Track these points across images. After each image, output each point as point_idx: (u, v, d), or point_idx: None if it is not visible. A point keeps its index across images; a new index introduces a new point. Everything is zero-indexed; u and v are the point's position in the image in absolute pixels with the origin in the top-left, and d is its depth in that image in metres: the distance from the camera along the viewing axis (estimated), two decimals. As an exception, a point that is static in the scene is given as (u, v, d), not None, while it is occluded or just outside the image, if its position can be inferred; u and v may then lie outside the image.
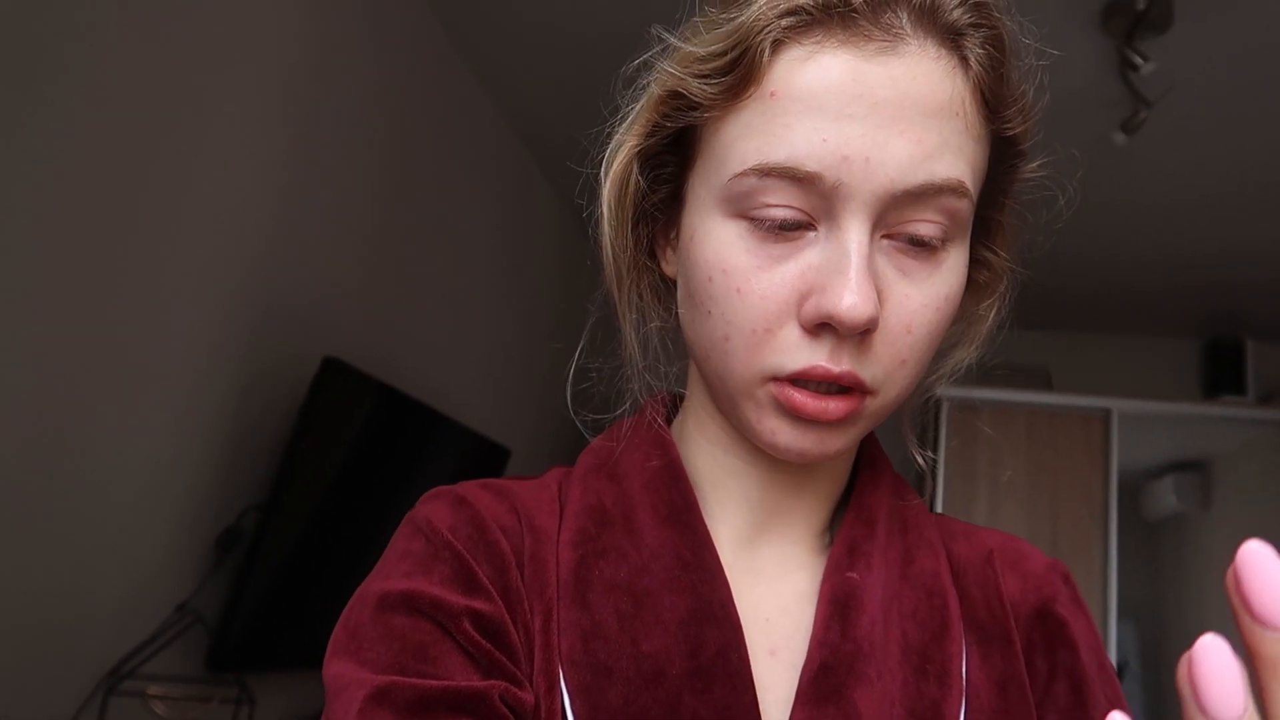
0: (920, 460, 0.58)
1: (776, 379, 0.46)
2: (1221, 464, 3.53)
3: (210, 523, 1.59)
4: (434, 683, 0.43)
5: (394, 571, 0.48)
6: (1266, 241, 2.87)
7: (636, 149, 0.51)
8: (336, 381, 1.71)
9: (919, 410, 0.59)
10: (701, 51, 0.47)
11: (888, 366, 0.46)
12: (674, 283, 0.55)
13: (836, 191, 0.43)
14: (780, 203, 0.44)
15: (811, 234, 0.45)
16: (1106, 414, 3.19)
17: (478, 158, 2.54)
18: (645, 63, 0.52)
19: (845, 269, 0.43)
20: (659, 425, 0.56)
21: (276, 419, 1.72)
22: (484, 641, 0.45)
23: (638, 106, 0.52)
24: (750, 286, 0.45)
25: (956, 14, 0.45)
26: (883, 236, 0.45)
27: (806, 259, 0.45)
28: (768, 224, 0.45)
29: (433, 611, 0.46)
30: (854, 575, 0.50)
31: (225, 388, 1.60)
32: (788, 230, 0.45)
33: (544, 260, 3.09)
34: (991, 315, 0.56)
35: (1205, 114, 2.26)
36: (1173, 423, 3.28)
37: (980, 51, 0.46)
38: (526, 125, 2.69)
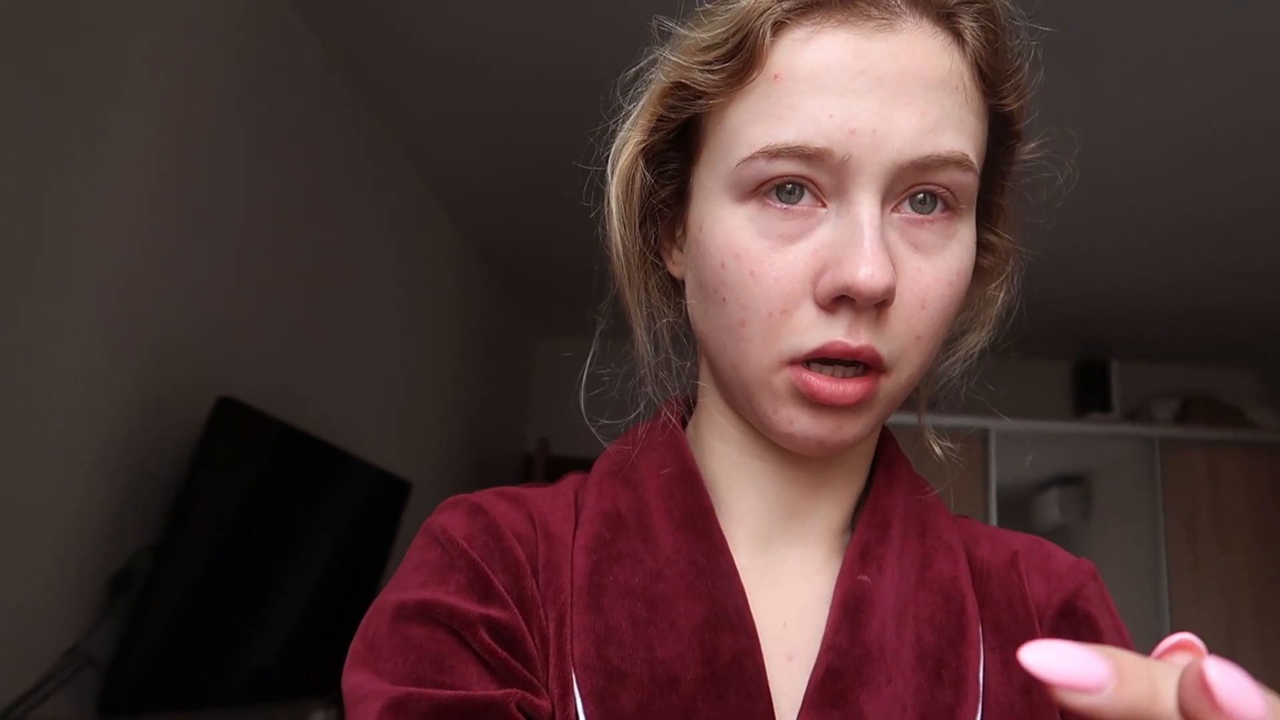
0: (939, 451, 0.57)
1: (794, 362, 0.46)
2: (1097, 476, 3.75)
3: (101, 564, 1.58)
4: (450, 693, 0.43)
5: (410, 582, 0.48)
6: (1126, 278, 3.11)
7: (642, 145, 0.51)
8: (232, 421, 1.72)
9: (935, 399, 0.58)
10: (704, 39, 0.48)
11: (903, 342, 0.46)
12: (681, 283, 0.55)
13: (845, 166, 0.44)
14: (790, 171, 0.45)
15: (822, 211, 0.45)
16: (985, 433, 3.38)
17: (377, 193, 2.57)
18: (646, 60, 0.53)
19: (860, 240, 0.43)
20: (674, 428, 0.56)
21: (170, 459, 1.72)
22: (500, 650, 0.45)
23: (641, 103, 0.52)
24: (764, 269, 0.45)
25: None
26: (892, 211, 0.46)
27: (819, 237, 0.45)
28: (778, 204, 0.45)
29: (449, 620, 0.46)
30: (865, 578, 0.50)
31: (114, 427, 1.60)
32: (798, 207, 0.45)
33: (443, 293, 3.12)
34: (1000, 298, 0.56)
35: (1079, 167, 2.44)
36: (1049, 440, 3.49)
37: (974, 27, 0.47)
38: (426, 160, 2.74)
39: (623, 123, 0.53)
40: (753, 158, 0.45)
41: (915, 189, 0.46)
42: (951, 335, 0.56)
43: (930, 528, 0.54)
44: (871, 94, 0.44)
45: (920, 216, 0.46)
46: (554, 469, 3.71)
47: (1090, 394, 3.74)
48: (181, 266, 1.76)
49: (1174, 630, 3.16)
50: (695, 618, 0.48)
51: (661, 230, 0.56)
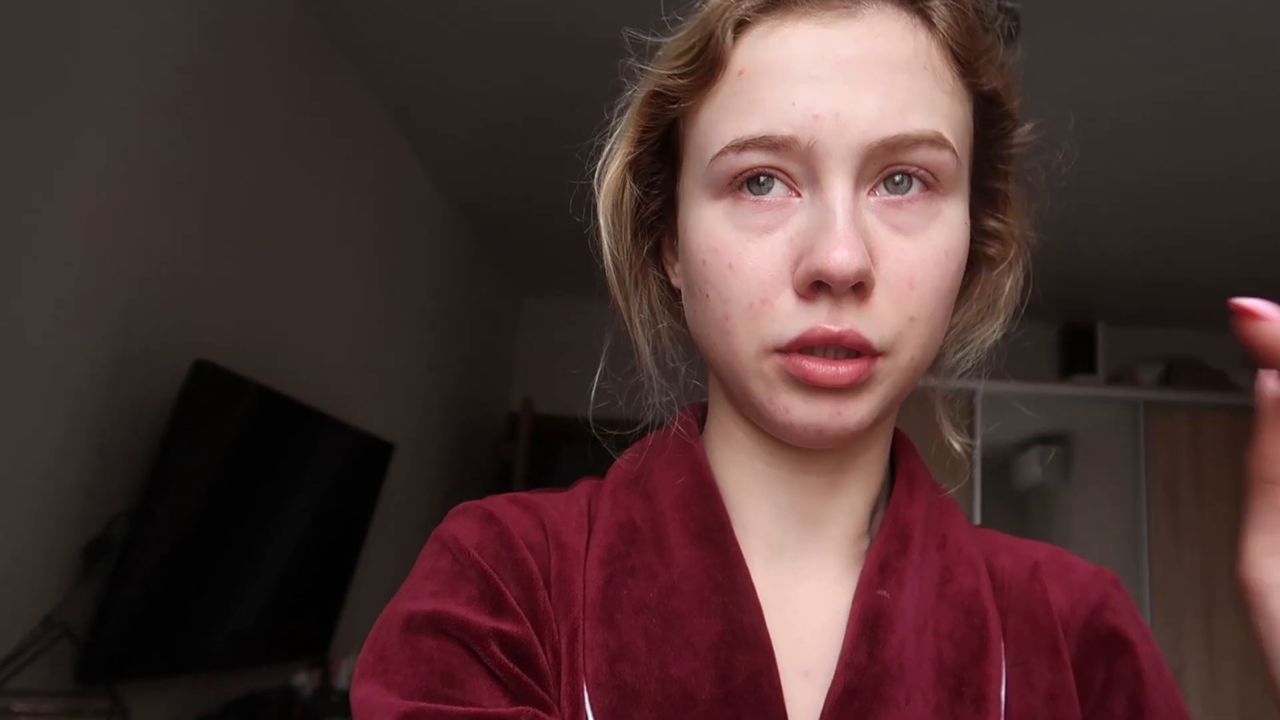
0: (958, 447, 0.56)
1: (780, 350, 0.45)
2: (1079, 437, 3.77)
3: (76, 532, 1.55)
4: (461, 709, 0.42)
5: (421, 591, 0.47)
6: (1112, 241, 3.10)
7: (629, 157, 0.52)
8: (209, 385, 1.69)
9: (953, 397, 0.57)
10: (672, 47, 0.49)
11: (895, 324, 0.45)
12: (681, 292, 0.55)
13: (813, 152, 0.44)
14: (760, 163, 0.45)
15: (796, 201, 0.45)
16: (971, 395, 3.37)
17: (356, 149, 2.51)
18: (625, 73, 0.53)
19: (831, 225, 0.43)
20: (688, 437, 0.55)
21: (146, 424, 1.69)
22: (511, 665, 0.45)
23: (624, 118, 0.53)
24: (742, 261, 0.45)
25: None
26: (868, 195, 0.45)
27: (794, 225, 0.45)
28: (751, 197, 0.46)
29: (459, 633, 0.45)
30: (884, 594, 0.49)
31: (86, 391, 1.57)
32: (771, 198, 0.45)
33: (424, 251, 3.07)
34: (1008, 285, 0.55)
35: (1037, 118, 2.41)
36: (1033, 401, 3.50)
37: (942, 8, 0.47)
38: (406, 115, 2.67)
39: (608, 137, 0.54)
40: (722, 153, 0.46)
41: (889, 170, 0.45)
42: (963, 326, 0.55)
43: (950, 540, 0.53)
44: (834, 79, 0.44)
45: (897, 197, 0.45)
46: (539, 427, 3.69)
47: (1076, 357, 3.74)
48: (153, 226, 1.71)
49: (1152, 590, 3.20)
50: (711, 635, 0.47)
51: (663, 244, 0.56)
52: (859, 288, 0.44)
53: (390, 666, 0.45)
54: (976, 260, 0.55)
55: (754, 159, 0.45)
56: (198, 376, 1.65)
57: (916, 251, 0.45)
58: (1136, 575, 3.25)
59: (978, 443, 3.34)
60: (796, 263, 0.44)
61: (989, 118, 0.51)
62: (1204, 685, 3.13)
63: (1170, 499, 3.29)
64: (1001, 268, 0.55)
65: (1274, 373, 0.38)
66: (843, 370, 0.44)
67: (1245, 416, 3.34)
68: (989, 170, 0.53)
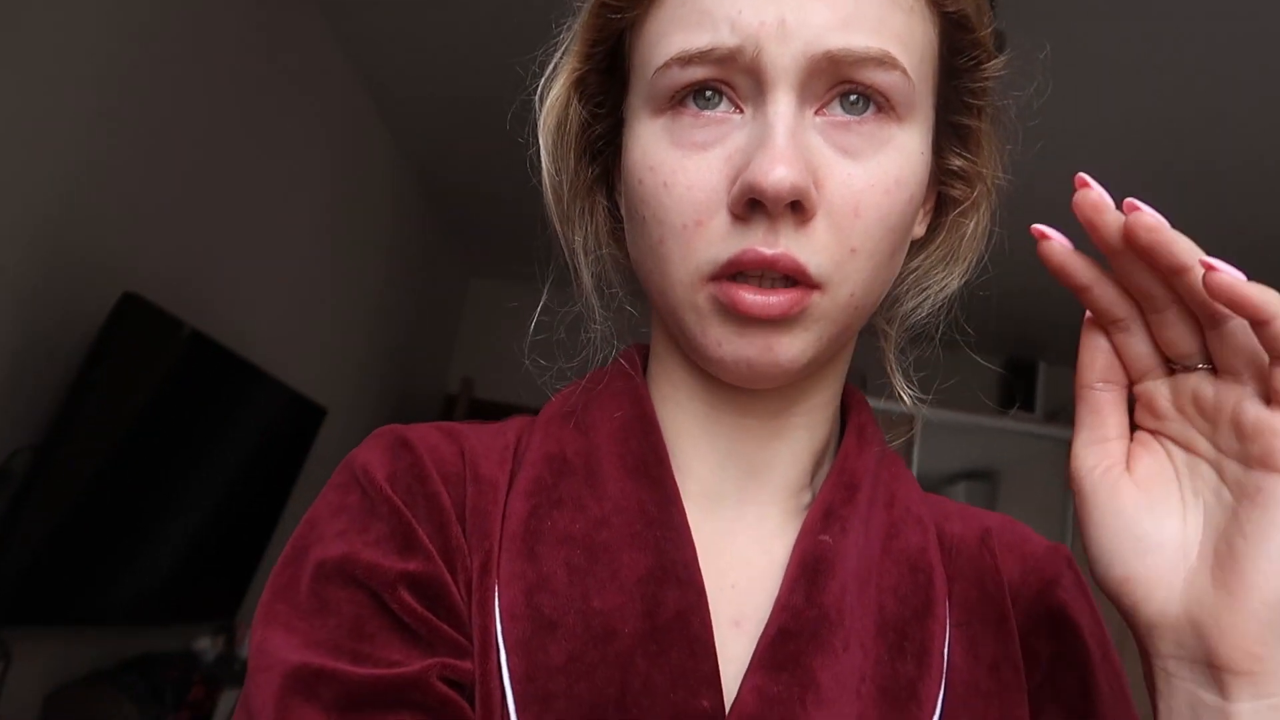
0: (907, 399, 0.53)
1: (715, 278, 0.43)
2: (1006, 474, 3.83)
3: (-27, 462, 1.44)
4: (363, 671, 0.40)
5: (329, 530, 0.45)
6: (1055, 281, 3.14)
7: (576, 73, 0.50)
8: (135, 320, 1.58)
9: (906, 343, 0.55)
10: None
11: (835, 255, 0.43)
12: None
13: (758, 63, 0.42)
14: (704, 77, 0.43)
15: (738, 117, 0.44)
16: (911, 420, 3.40)
17: (315, 97, 2.41)
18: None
19: (769, 139, 0.41)
20: (632, 373, 0.53)
21: (63, 356, 1.57)
22: (422, 609, 0.42)
23: (570, 35, 0.51)
24: (676, 179, 0.43)
25: None
26: (815, 114, 0.43)
27: (732, 143, 0.43)
28: (692, 106, 0.44)
29: (367, 579, 0.43)
30: (826, 539, 0.47)
31: (1, 318, 1.45)
32: (713, 113, 0.44)
33: (375, 211, 2.97)
34: (971, 228, 0.53)
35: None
36: (969, 431, 3.54)
37: None
38: (372, 70, 2.58)
39: (554, 54, 0.52)
40: (666, 65, 0.44)
41: (842, 88, 0.43)
42: (922, 271, 0.53)
43: (899, 498, 0.52)
44: None
45: (848, 118, 0.43)
46: (477, 412, 3.61)
47: (1015, 393, 3.80)
48: (86, 141, 1.60)
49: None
50: (640, 569, 0.45)
51: (612, 170, 0.53)
52: (798, 209, 0.41)
53: (295, 613, 0.42)
54: (943, 203, 0.53)
55: (699, 73, 0.43)
56: (124, 309, 1.55)
57: (864, 177, 0.43)
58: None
59: (914, 470, 3.36)
60: (733, 182, 0.42)
61: (957, 45, 0.48)
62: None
63: (1094, 539, 3.35)
64: (964, 207, 0.52)
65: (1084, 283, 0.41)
66: (774, 300, 0.42)
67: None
68: (958, 104, 0.50)
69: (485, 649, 0.43)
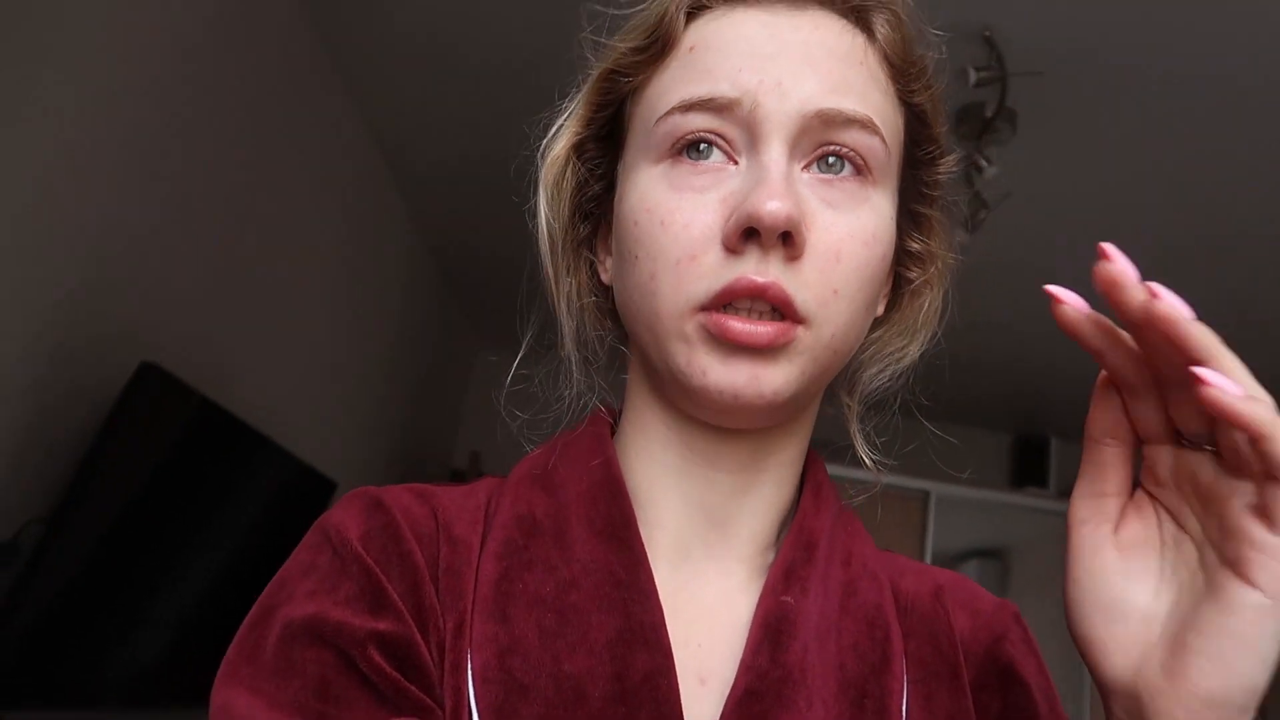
0: (868, 462, 0.56)
1: (705, 308, 0.45)
2: (1018, 553, 3.77)
3: (-19, 534, 1.40)
4: None
5: (298, 589, 0.45)
6: (1065, 356, 3.13)
7: (577, 136, 0.54)
8: (152, 390, 1.56)
9: (866, 413, 0.58)
10: (627, 28, 0.52)
11: (820, 293, 0.46)
12: (609, 289, 0.56)
13: (754, 116, 0.46)
14: (702, 127, 0.47)
15: (733, 168, 0.47)
16: (925, 495, 3.36)
17: (333, 171, 2.44)
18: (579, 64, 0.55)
19: (765, 178, 0.44)
20: (601, 433, 0.54)
21: (77, 426, 1.55)
22: (391, 670, 0.42)
23: (575, 100, 0.55)
24: (673, 217, 0.46)
25: None
26: (802, 170, 0.47)
27: (727, 187, 0.46)
28: (690, 158, 0.47)
29: (335, 638, 0.42)
30: (789, 599, 0.49)
31: (19, 385, 1.44)
32: (709, 163, 0.47)
33: (388, 285, 2.99)
34: (927, 304, 0.57)
35: (1015, 230, 2.45)
36: (982, 508, 3.49)
37: (880, 19, 0.51)
38: (390, 146, 2.61)
39: (558, 118, 0.55)
40: (669, 114, 0.47)
41: (823, 149, 0.47)
42: (881, 343, 0.56)
43: (856, 556, 0.54)
44: (780, 56, 0.47)
45: (830, 176, 0.47)
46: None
47: (1028, 469, 3.77)
48: (112, 214, 1.60)
49: (1092, 705, 3.15)
50: (609, 632, 0.46)
51: (597, 235, 0.57)
52: (788, 242, 0.44)
53: (260, 673, 0.42)
54: (899, 282, 0.56)
55: (698, 121, 0.47)
56: (142, 379, 1.53)
57: (845, 226, 0.46)
58: (1076, 695, 3.20)
59: (929, 544, 3.31)
60: (727, 220, 0.45)
61: (918, 137, 0.53)
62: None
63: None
64: (919, 285, 0.56)
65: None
66: (761, 330, 0.44)
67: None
68: (916, 193, 0.55)
69: (458, 711, 0.43)
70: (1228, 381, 0.35)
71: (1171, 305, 0.37)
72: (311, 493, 2.31)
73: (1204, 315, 0.36)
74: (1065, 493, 3.64)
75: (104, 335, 1.61)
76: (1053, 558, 3.29)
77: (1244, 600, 0.36)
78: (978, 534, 3.77)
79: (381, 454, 3.10)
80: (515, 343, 0.58)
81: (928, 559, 3.30)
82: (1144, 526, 0.41)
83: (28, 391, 1.45)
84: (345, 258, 2.60)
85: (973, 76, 1.89)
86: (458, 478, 3.68)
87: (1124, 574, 0.40)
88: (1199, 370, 0.36)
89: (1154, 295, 0.37)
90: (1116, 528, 0.42)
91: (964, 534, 3.76)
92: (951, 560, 3.97)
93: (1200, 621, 0.37)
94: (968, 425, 4.03)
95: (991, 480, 3.92)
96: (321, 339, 2.52)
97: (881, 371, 0.57)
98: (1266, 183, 2.19)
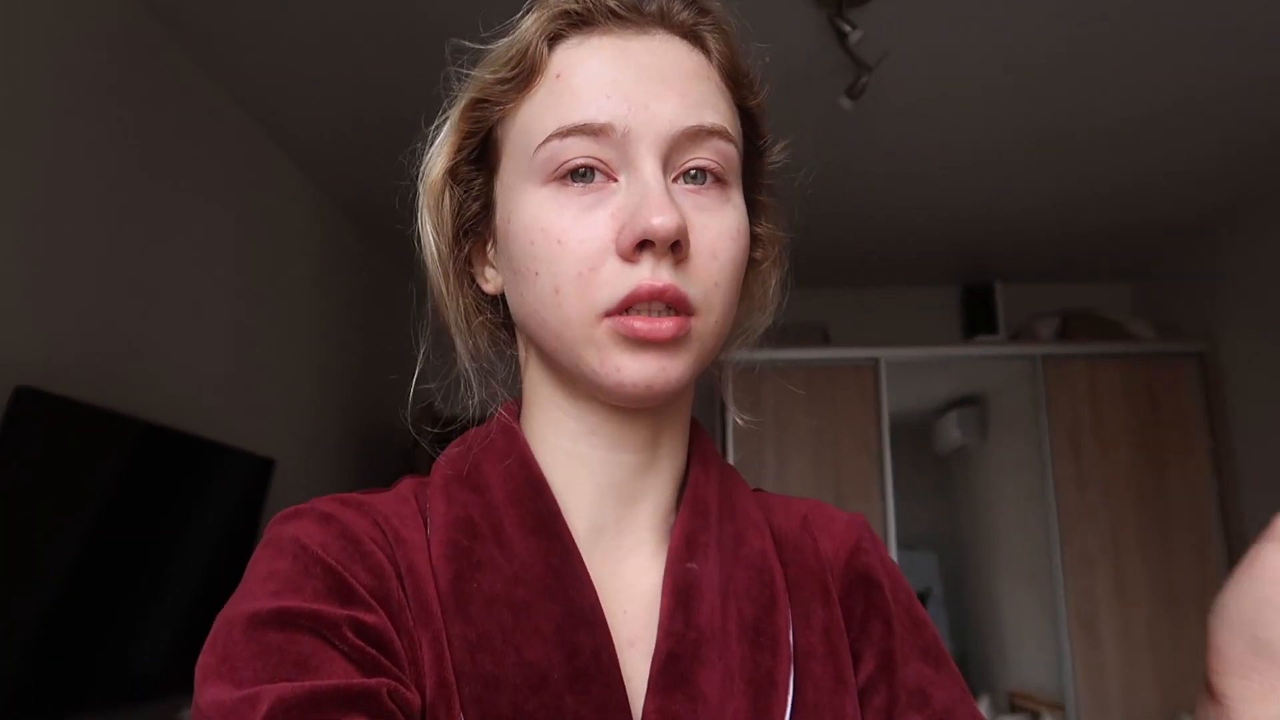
0: (740, 422, 0.68)
1: (611, 313, 0.50)
2: (990, 397, 3.81)
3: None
4: (324, 682, 0.43)
5: (260, 592, 0.46)
6: (1004, 200, 3.12)
7: (450, 163, 0.58)
8: (35, 413, 1.56)
9: (738, 376, 0.67)
10: (492, 58, 0.56)
11: (705, 287, 0.52)
12: (493, 299, 0.61)
13: (628, 138, 0.51)
14: (581, 154, 0.51)
15: (614, 185, 0.52)
16: (875, 363, 3.38)
17: (209, 146, 2.37)
18: (446, 91, 0.59)
19: (650, 194, 0.50)
20: (512, 429, 0.59)
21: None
22: (368, 648, 0.45)
23: (445, 128, 0.59)
24: (570, 235, 0.51)
25: (684, 15, 0.56)
26: (673, 181, 0.53)
27: (614, 203, 0.51)
28: (574, 182, 0.52)
29: (311, 624, 0.45)
30: (693, 566, 0.55)
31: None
32: (592, 185, 0.52)
33: (304, 251, 2.94)
34: (774, 281, 0.64)
35: (920, 82, 2.40)
36: (935, 364, 3.52)
37: (713, 36, 0.57)
38: (272, 121, 2.55)
39: (429, 147, 0.60)
40: (548, 140, 0.52)
41: (688, 164, 0.53)
42: (738, 318, 0.61)
43: (739, 508, 0.60)
44: (640, 80, 0.52)
45: (696, 187, 0.53)
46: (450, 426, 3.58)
47: (977, 317, 3.77)
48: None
49: (1063, 541, 3.24)
50: (555, 618, 0.51)
51: (473, 250, 0.61)
52: (677, 248, 0.50)
53: (237, 664, 0.43)
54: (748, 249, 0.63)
55: (576, 147, 0.51)
56: (19, 405, 1.53)
57: (717, 227, 0.53)
58: (1045, 528, 3.29)
59: (884, 410, 3.35)
60: (619, 233, 0.50)
61: (751, 135, 0.60)
62: (1117, 628, 3.18)
63: (1073, 450, 3.33)
64: (766, 266, 0.63)
65: None
66: (664, 326, 0.50)
67: (1139, 362, 3.42)
68: (752, 184, 0.61)
69: (449, 705, 0.47)
70: None
71: None
72: (248, 475, 2.32)
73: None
74: (1015, 336, 3.67)
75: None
76: (1015, 398, 3.33)
77: None
78: (947, 388, 3.80)
79: (329, 421, 3.11)
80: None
81: (885, 424, 3.34)
82: None
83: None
84: (249, 235, 2.56)
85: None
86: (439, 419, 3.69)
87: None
88: None
89: None
90: None
91: (934, 391, 3.79)
92: (930, 416, 4.02)
93: None
94: (916, 285, 4.03)
95: (949, 335, 3.94)
96: (231, 319, 2.49)
97: (743, 345, 0.64)
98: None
